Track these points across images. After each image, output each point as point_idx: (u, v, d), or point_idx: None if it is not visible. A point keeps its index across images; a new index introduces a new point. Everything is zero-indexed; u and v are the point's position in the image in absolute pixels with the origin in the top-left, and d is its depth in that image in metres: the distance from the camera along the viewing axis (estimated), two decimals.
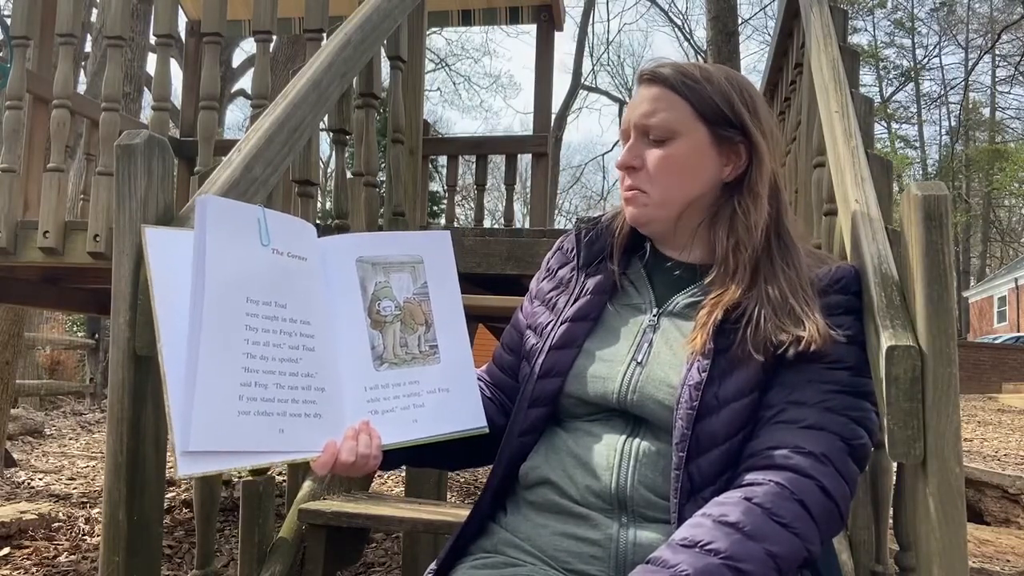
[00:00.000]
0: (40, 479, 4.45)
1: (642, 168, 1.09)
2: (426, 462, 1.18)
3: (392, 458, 1.07)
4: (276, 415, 0.95)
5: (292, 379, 0.97)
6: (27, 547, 3.01)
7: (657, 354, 1.06)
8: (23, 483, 4.33)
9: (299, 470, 2.08)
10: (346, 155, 2.60)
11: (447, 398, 1.09)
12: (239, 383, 0.93)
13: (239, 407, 0.92)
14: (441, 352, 1.10)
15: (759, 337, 0.98)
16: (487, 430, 1.11)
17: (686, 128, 1.07)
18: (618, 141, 1.21)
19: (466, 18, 5.04)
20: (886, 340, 0.98)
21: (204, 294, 0.92)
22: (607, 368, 1.08)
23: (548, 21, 4.99)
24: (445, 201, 5.74)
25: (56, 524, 3.30)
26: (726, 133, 1.07)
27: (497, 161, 5.82)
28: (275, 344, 0.97)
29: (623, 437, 1.05)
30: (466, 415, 1.10)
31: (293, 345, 0.98)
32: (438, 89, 28.03)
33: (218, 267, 0.94)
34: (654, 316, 1.10)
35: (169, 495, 3.62)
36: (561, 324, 1.12)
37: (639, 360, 1.06)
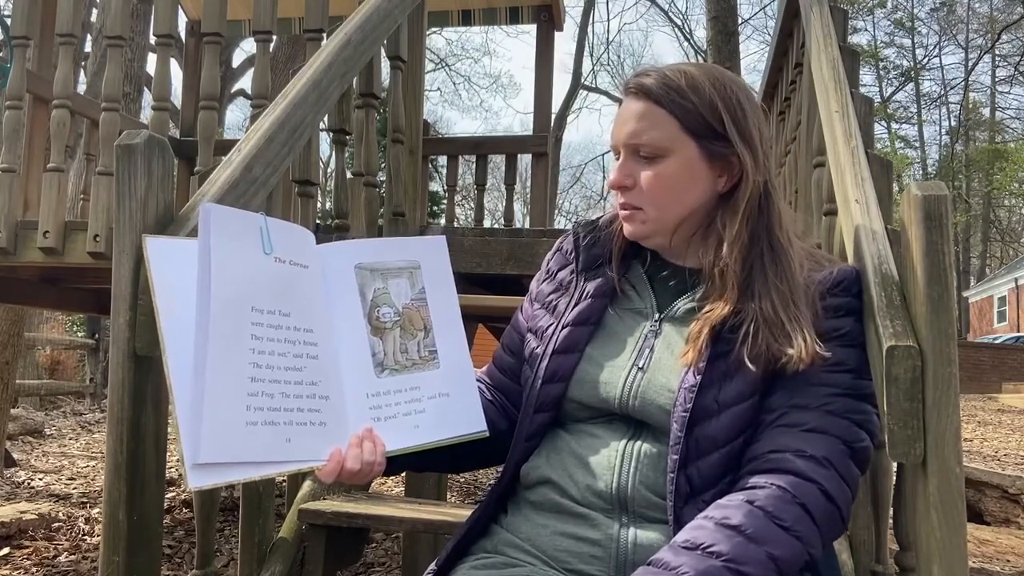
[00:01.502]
0: (40, 479, 4.45)
1: (634, 187, 1.07)
2: (428, 466, 1.18)
3: (395, 463, 1.07)
4: (282, 424, 0.95)
5: (297, 388, 0.97)
6: (27, 547, 3.01)
7: (659, 359, 1.06)
8: (23, 483, 4.33)
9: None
10: (346, 155, 2.61)
11: (447, 403, 1.09)
12: (246, 393, 0.92)
13: (246, 417, 0.92)
14: (440, 357, 1.10)
15: (755, 352, 0.98)
16: (487, 434, 1.11)
17: (675, 145, 1.05)
18: None
19: (466, 18, 5.03)
20: (886, 340, 0.98)
21: (210, 304, 0.92)
22: (609, 373, 1.07)
23: (548, 21, 4.99)
24: (445, 201, 5.74)
25: (56, 524, 3.30)
26: (716, 147, 1.05)
27: (497, 161, 5.83)
28: (280, 353, 0.96)
29: (625, 439, 1.05)
30: (466, 419, 1.10)
31: (297, 353, 0.98)
32: (438, 89, 28.05)
33: (223, 277, 0.93)
34: (656, 321, 1.10)
35: (169, 495, 3.62)
36: (563, 328, 1.12)
37: (640, 366, 1.06)
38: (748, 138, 1.06)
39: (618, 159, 1.09)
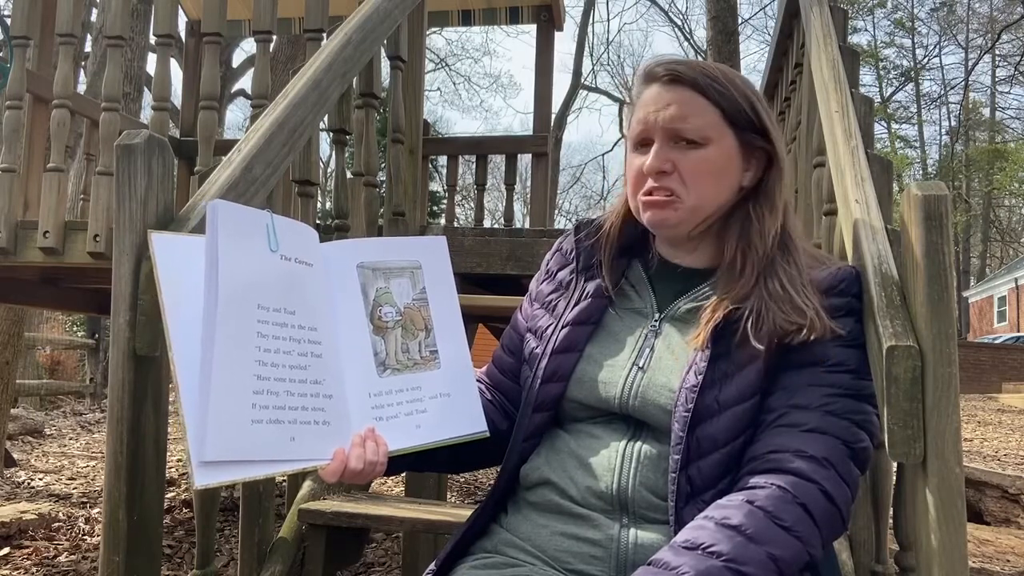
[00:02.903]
0: (40, 479, 4.45)
1: (673, 172, 1.06)
2: (428, 466, 1.18)
3: (395, 463, 1.07)
4: (287, 423, 0.95)
5: (301, 386, 0.97)
6: (27, 547, 3.01)
7: (659, 359, 1.06)
8: (23, 483, 4.33)
9: None
10: (346, 155, 2.60)
11: (448, 403, 1.09)
12: (252, 391, 0.92)
13: (252, 415, 0.92)
14: (441, 357, 1.10)
15: (761, 330, 0.98)
16: (487, 434, 1.11)
17: (717, 134, 1.05)
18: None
19: (466, 18, 5.04)
20: (886, 340, 0.98)
21: (217, 302, 0.91)
22: (609, 373, 1.07)
23: (548, 21, 4.99)
24: (445, 201, 5.75)
25: (56, 524, 3.30)
26: (751, 139, 1.06)
27: (497, 161, 5.83)
28: (285, 351, 0.96)
29: (625, 440, 1.05)
30: (467, 420, 1.10)
31: (302, 352, 0.98)
32: (438, 89, 28.05)
33: (230, 274, 0.93)
34: (656, 321, 1.10)
35: (169, 495, 3.62)
36: (562, 328, 1.12)
37: (640, 365, 1.06)
38: (777, 133, 1.09)
39: (645, 147, 1.07)
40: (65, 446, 5.81)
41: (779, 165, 1.08)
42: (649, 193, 1.07)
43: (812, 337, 0.97)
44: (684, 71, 1.06)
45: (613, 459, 1.03)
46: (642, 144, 1.08)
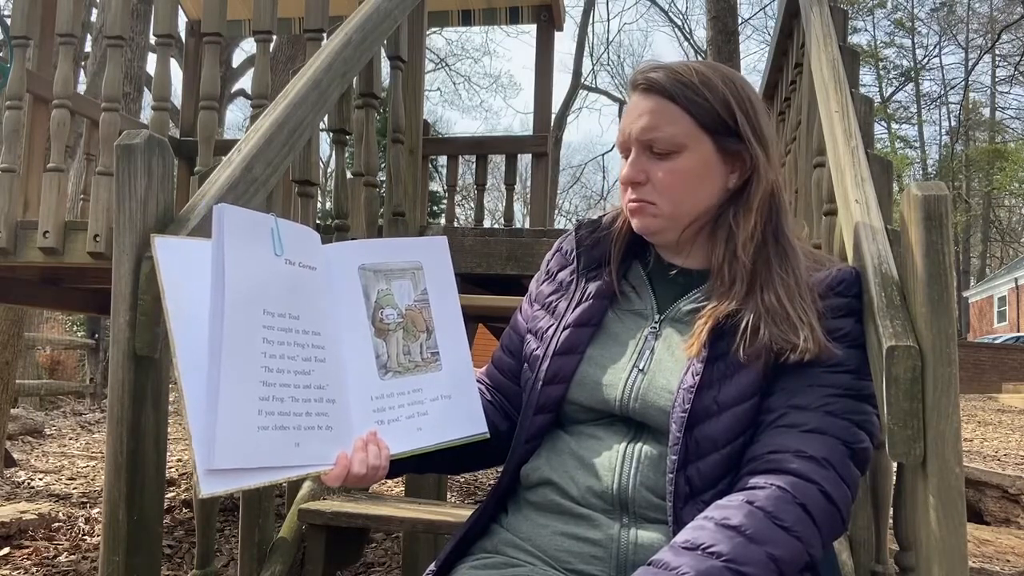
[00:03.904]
0: (40, 479, 4.45)
1: (647, 182, 1.06)
2: (429, 468, 1.17)
3: (397, 466, 1.07)
4: (292, 429, 0.94)
5: (306, 391, 0.97)
6: (27, 547, 3.01)
7: (659, 361, 1.06)
8: (23, 483, 4.33)
9: None
10: (346, 155, 2.60)
11: (449, 405, 1.09)
12: (258, 397, 0.91)
13: (258, 422, 0.91)
14: (442, 359, 1.10)
15: (757, 345, 0.98)
16: (488, 436, 1.11)
17: (690, 141, 1.05)
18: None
19: (466, 18, 5.04)
20: (886, 340, 0.98)
21: (224, 308, 0.91)
22: (610, 375, 1.07)
23: (548, 21, 4.99)
24: (445, 201, 5.75)
25: (56, 524, 3.30)
26: (729, 144, 1.05)
27: (497, 161, 5.83)
28: (290, 356, 0.96)
29: (626, 441, 1.05)
30: (468, 421, 1.10)
31: (306, 357, 0.97)
32: (438, 89, 28.07)
33: (237, 278, 0.92)
34: (656, 322, 1.10)
35: (169, 495, 3.62)
36: (563, 330, 1.12)
37: (641, 367, 1.06)
38: (761, 136, 1.06)
39: (626, 156, 1.08)
40: (65, 446, 5.81)
41: (760, 171, 1.05)
42: (632, 202, 1.08)
43: (806, 359, 0.96)
44: (657, 79, 1.05)
45: (614, 459, 1.03)
46: (624, 153, 1.10)
